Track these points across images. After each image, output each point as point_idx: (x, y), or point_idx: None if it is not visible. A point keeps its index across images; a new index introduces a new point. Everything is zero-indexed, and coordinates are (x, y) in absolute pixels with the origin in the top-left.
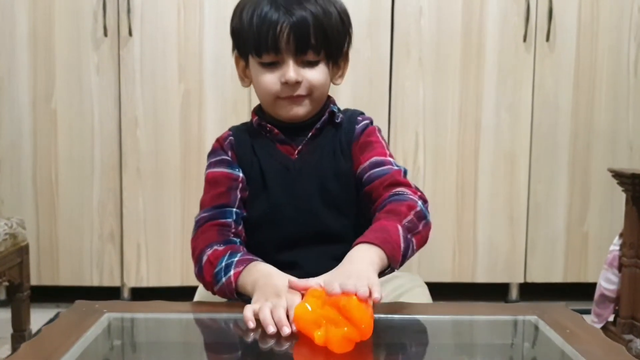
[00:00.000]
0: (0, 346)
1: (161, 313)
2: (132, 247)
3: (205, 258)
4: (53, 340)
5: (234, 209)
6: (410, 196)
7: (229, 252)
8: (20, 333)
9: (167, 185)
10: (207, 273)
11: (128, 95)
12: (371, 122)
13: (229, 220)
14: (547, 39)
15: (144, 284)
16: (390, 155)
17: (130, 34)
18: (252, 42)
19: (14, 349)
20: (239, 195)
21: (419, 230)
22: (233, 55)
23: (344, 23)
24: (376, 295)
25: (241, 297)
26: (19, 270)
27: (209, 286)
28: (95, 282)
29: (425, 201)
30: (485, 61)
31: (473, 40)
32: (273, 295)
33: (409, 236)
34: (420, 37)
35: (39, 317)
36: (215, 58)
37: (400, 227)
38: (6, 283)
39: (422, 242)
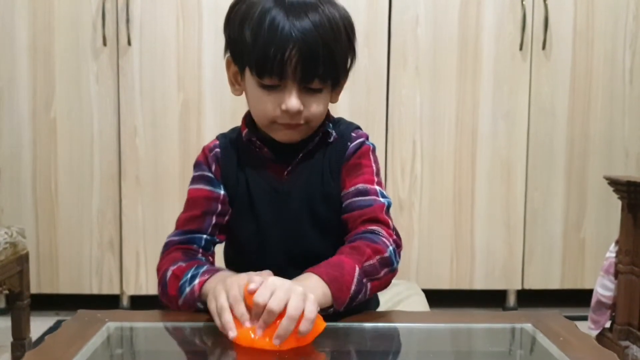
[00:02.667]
0: (0, 355)
1: (162, 322)
2: (131, 255)
3: (169, 274)
4: (56, 350)
5: (204, 236)
6: (383, 239)
7: (195, 265)
8: (20, 341)
9: (166, 193)
10: (171, 287)
11: (127, 104)
12: (366, 139)
13: (196, 246)
14: (543, 48)
15: (143, 291)
16: (379, 183)
17: (129, 43)
18: (254, 61)
19: (14, 357)
20: (213, 221)
21: (378, 276)
22: (225, 57)
23: (350, 39)
24: (304, 326)
25: (205, 307)
26: (19, 278)
27: (173, 301)
28: (94, 290)
29: (398, 246)
30: (482, 69)
31: (469, 48)
32: (222, 291)
33: (364, 280)
34: (417, 46)
35: (38, 325)
36: (214, 67)
37: (357, 269)
38: (6, 291)
39: (381, 288)
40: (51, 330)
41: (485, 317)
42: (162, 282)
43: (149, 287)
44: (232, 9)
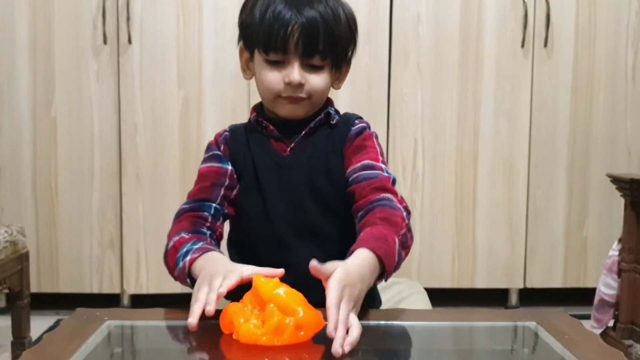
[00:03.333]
0: (0, 354)
1: (161, 321)
2: (131, 253)
3: (171, 244)
4: (54, 348)
5: (214, 204)
6: (399, 205)
7: (193, 239)
8: (20, 340)
9: (167, 191)
10: (170, 258)
11: (127, 102)
12: (368, 127)
13: (206, 213)
14: (545, 45)
15: (144, 290)
16: (383, 162)
17: (129, 41)
18: (261, 38)
19: (14, 356)
20: (222, 192)
21: (408, 244)
22: (238, 46)
23: (351, 29)
24: (350, 339)
25: (193, 283)
26: (19, 277)
27: (170, 271)
28: (95, 289)
29: (409, 213)
30: (484, 67)
31: (471, 46)
32: (208, 277)
33: (401, 251)
34: (418, 44)
35: (38, 324)
36: (215, 65)
37: (397, 241)
38: (6, 290)
39: (406, 256)
40: (51, 329)
41: (488, 315)
42: (165, 250)
43: (150, 285)
44: (246, 1)
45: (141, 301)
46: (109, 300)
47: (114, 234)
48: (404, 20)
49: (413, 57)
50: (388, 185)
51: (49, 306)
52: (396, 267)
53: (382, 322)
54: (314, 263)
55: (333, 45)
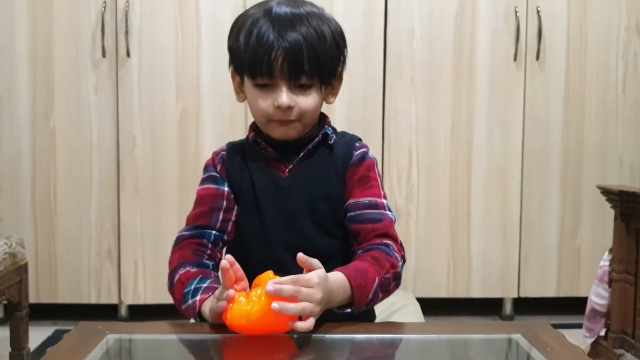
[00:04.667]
0: None
1: (162, 334)
2: (129, 264)
3: (177, 277)
4: None
5: (213, 231)
6: (396, 254)
7: (200, 276)
8: (18, 351)
9: (165, 202)
10: (177, 291)
11: (126, 114)
12: (368, 151)
13: (206, 240)
14: (537, 58)
15: (142, 301)
16: (385, 197)
17: (128, 54)
18: (247, 64)
19: None
20: (221, 217)
21: (389, 289)
22: (230, 69)
23: (338, 45)
24: (302, 324)
25: (203, 321)
26: (18, 288)
27: (177, 303)
28: (93, 300)
29: (404, 261)
30: (477, 80)
31: (464, 59)
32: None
33: (378, 291)
34: (413, 57)
35: (37, 335)
36: (213, 77)
37: (377, 281)
38: (5, 302)
39: (385, 297)
40: (50, 340)
41: (476, 327)
42: (170, 279)
43: (147, 296)
44: (233, 24)
45: (139, 312)
46: (107, 311)
47: (112, 245)
48: (399, 34)
49: (407, 70)
50: (391, 230)
51: (47, 316)
52: (369, 303)
53: (374, 335)
54: (301, 255)
55: (318, 64)
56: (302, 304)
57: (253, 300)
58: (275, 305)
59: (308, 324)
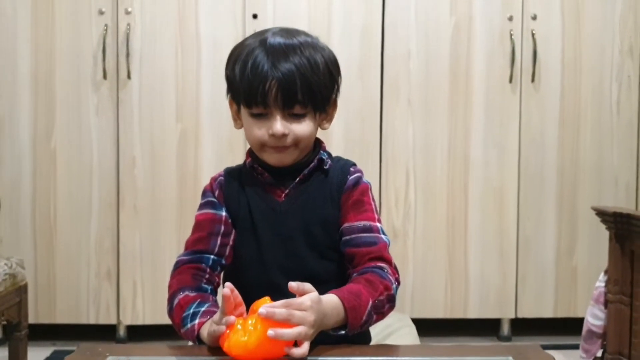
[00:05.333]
0: None
1: (162, 356)
2: (128, 284)
3: (176, 301)
4: None
5: (212, 256)
6: (390, 276)
7: (198, 300)
8: None
9: (164, 223)
10: (176, 315)
11: (126, 135)
12: (362, 175)
13: (204, 265)
14: (532, 80)
15: (140, 321)
16: (379, 220)
17: (129, 76)
18: (242, 94)
19: None
20: (219, 241)
21: (383, 310)
22: (227, 98)
23: (331, 74)
24: (297, 350)
25: (201, 343)
26: (18, 309)
27: (176, 327)
28: (91, 320)
29: (398, 284)
30: (473, 102)
31: (460, 81)
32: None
33: (372, 312)
34: (409, 79)
35: (35, 355)
36: (212, 98)
37: (370, 302)
38: (4, 322)
39: (379, 320)
40: None
41: (469, 350)
42: (170, 303)
43: (146, 316)
44: (230, 53)
45: (137, 332)
46: (105, 331)
47: (111, 265)
48: (395, 56)
49: (404, 91)
50: (385, 254)
51: (45, 337)
52: (363, 324)
53: (368, 358)
54: (292, 284)
55: (312, 93)
56: (297, 328)
57: (249, 330)
58: (270, 332)
59: (303, 349)
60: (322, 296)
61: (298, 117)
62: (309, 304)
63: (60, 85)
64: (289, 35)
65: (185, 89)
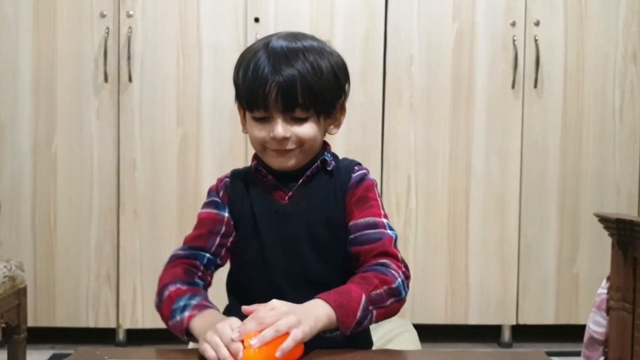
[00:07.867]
0: None
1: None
2: (128, 288)
3: (167, 293)
4: None
5: (208, 255)
6: (392, 271)
7: (189, 293)
8: None
9: (164, 227)
10: (166, 307)
11: (127, 138)
12: (368, 173)
13: (199, 262)
14: (535, 86)
15: (139, 325)
16: (385, 216)
17: (130, 80)
18: (244, 98)
19: None
20: (217, 241)
21: (384, 305)
22: (235, 103)
23: (337, 78)
24: (285, 344)
25: (189, 338)
26: (17, 312)
27: (164, 319)
28: (91, 324)
29: (407, 277)
30: (475, 107)
31: (463, 87)
32: (214, 335)
33: (370, 307)
34: (411, 84)
35: (34, 358)
36: (213, 103)
37: (364, 297)
38: (3, 325)
39: (388, 315)
40: None
41: (471, 356)
42: (159, 296)
43: (145, 320)
44: (238, 58)
45: (136, 336)
46: (105, 335)
47: (110, 269)
48: (397, 61)
49: (406, 97)
50: (389, 248)
51: (44, 340)
52: (360, 321)
53: None
54: (244, 307)
55: (314, 97)
56: (292, 333)
57: None
58: (278, 353)
59: (289, 343)
60: (307, 302)
61: (300, 121)
62: (275, 304)
63: (62, 88)
64: (294, 39)
65: (187, 92)
